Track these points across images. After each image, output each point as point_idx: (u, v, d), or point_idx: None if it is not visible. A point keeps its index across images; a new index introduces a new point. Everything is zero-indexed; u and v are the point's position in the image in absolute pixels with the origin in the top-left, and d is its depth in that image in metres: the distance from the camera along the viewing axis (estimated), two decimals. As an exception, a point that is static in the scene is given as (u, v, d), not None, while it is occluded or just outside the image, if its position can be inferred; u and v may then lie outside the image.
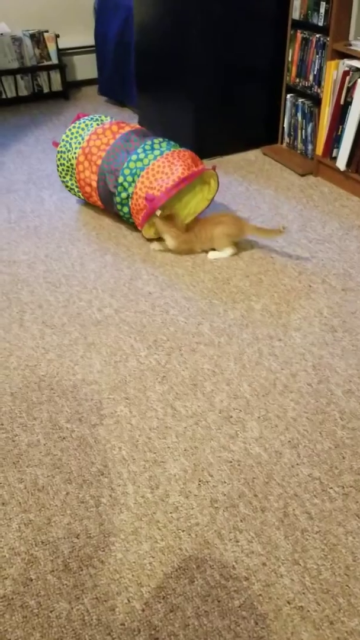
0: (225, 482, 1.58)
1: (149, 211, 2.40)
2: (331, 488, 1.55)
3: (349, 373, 1.91)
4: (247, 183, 3.13)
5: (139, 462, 1.63)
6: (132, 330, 2.11)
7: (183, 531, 1.46)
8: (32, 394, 1.86)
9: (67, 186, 2.79)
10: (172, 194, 2.36)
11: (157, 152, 2.47)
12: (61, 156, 2.68)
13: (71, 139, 2.65)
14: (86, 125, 2.66)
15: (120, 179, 2.46)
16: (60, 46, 4.32)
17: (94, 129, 2.60)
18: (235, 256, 2.53)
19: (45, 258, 2.53)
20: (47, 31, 4.17)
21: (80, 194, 2.75)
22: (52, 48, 4.21)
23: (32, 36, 4.11)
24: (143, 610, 1.31)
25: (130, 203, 2.51)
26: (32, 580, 1.37)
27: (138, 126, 2.66)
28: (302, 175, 3.20)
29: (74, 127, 2.68)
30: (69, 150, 2.64)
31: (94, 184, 2.59)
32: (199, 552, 1.42)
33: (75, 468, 1.62)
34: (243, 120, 3.38)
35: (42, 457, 1.65)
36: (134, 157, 2.46)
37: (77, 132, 2.65)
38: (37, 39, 4.14)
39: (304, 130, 3.23)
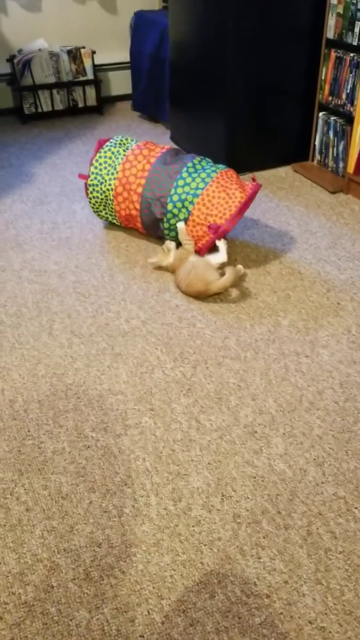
0: (248, 498, 1.57)
1: (212, 240, 2.42)
2: (356, 508, 1.53)
3: (376, 392, 1.89)
4: (277, 199, 3.14)
5: (162, 474, 1.63)
6: (159, 342, 2.12)
7: (205, 545, 1.45)
8: (59, 402, 1.88)
9: (100, 216, 2.78)
10: (237, 221, 2.38)
11: (203, 175, 2.44)
12: (93, 189, 2.64)
13: (101, 170, 2.62)
14: (112, 153, 2.63)
15: (170, 206, 2.46)
16: (96, 62, 4.41)
17: (125, 157, 2.57)
18: (263, 272, 2.53)
19: (76, 269, 2.57)
20: (83, 47, 4.26)
21: (115, 220, 2.75)
22: (88, 64, 4.29)
23: (69, 52, 4.20)
24: (163, 623, 1.30)
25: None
26: (53, 587, 1.37)
27: (165, 146, 2.65)
28: (333, 192, 3.20)
29: (100, 157, 2.64)
30: (101, 183, 2.61)
31: (135, 212, 2.57)
32: (220, 567, 1.41)
33: (99, 477, 1.63)
34: (274, 136, 3.40)
35: (67, 464, 1.66)
36: (180, 182, 2.44)
37: (105, 161, 2.62)
38: (74, 54, 4.23)
39: (335, 148, 3.23)
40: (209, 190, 2.42)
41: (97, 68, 4.43)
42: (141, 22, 3.99)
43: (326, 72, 3.12)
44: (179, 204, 2.44)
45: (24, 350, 2.10)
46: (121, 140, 2.68)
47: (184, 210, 2.44)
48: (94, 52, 4.29)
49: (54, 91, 4.28)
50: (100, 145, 2.70)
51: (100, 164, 2.63)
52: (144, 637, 1.28)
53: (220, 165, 2.55)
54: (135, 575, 1.39)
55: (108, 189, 2.60)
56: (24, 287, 2.44)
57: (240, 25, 2.95)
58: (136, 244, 2.75)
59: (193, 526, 1.50)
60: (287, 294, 2.38)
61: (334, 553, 1.43)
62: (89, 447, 1.72)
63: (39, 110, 4.29)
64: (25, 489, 1.60)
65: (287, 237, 2.78)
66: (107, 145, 2.67)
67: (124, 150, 2.63)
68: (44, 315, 2.27)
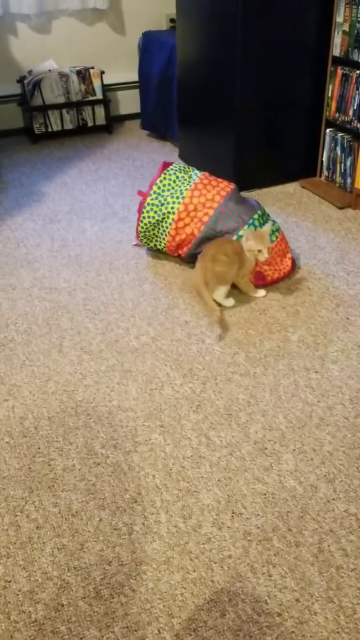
0: (259, 515, 1.56)
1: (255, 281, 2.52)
2: (368, 525, 1.52)
3: (387, 407, 1.88)
4: (285, 215, 3.16)
5: (172, 491, 1.63)
6: (168, 359, 2.13)
7: (215, 563, 1.45)
8: (69, 418, 1.88)
9: (145, 237, 2.71)
10: (267, 284, 2.53)
11: (270, 230, 2.52)
12: (151, 209, 2.61)
13: (163, 191, 2.61)
14: (177, 177, 2.63)
15: None
16: (105, 82, 4.47)
17: (194, 185, 2.58)
18: (272, 287, 2.53)
19: (85, 286, 2.59)
20: (92, 67, 4.32)
21: (159, 244, 2.70)
22: (97, 84, 4.35)
23: (78, 72, 4.27)
24: (173, 642, 1.29)
25: None
26: (63, 605, 1.37)
27: (225, 181, 2.67)
28: (341, 208, 3.21)
29: (164, 178, 2.63)
30: (162, 204, 2.59)
31: (192, 238, 2.57)
32: (231, 585, 1.40)
33: (109, 494, 1.63)
34: (282, 153, 3.42)
35: (77, 482, 1.67)
36: (251, 228, 2.49)
37: (169, 184, 2.61)
38: (83, 75, 4.29)
39: (342, 164, 3.25)
40: (275, 248, 2.51)
41: (106, 88, 4.49)
42: (149, 43, 4.05)
43: (333, 89, 3.15)
44: None
45: (34, 367, 2.11)
46: (184, 168, 2.69)
47: None
48: (102, 72, 4.35)
49: (64, 111, 4.34)
50: (165, 167, 2.69)
51: (165, 185, 2.61)
52: (155, 656, 1.27)
53: (277, 223, 2.64)
54: (146, 593, 1.39)
55: (169, 211, 2.57)
56: (34, 305, 2.46)
57: (247, 44, 2.99)
58: (145, 261, 2.77)
59: (203, 544, 1.49)
60: (296, 309, 2.39)
61: (346, 571, 1.42)
62: (98, 464, 1.72)
63: (49, 130, 4.35)
64: (36, 507, 1.60)
65: (295, 253, 2.78)
66: (172, 169, 2.66)
67: (189, 177, 2.64)
68: (54, 333, 2.29)
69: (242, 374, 2.05)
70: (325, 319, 2.32)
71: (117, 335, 2.26)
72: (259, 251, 2.29)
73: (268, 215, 2.61)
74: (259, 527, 1.53)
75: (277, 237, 2.54)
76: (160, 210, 2.59)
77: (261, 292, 2.48)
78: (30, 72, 4.26)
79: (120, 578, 1.42)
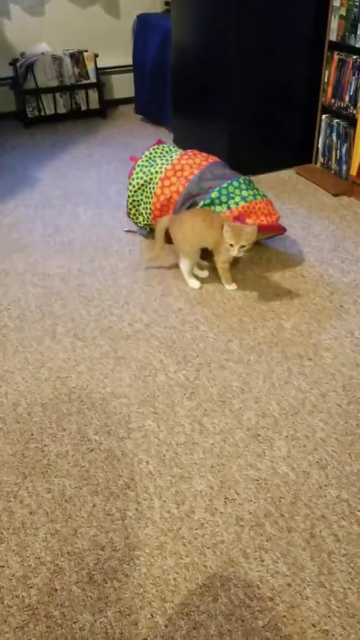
0: (251, 501, 1.57)
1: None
2: (359, 510, 1.53)
3: (379, 395, 1.89)
4: (280, 202, 3.15)
5: (165, 477, 1.64)
6: (162, 346, 2.13)
7: (208, 548, 1.46)
8: (62, 405, 1.88)
9: (133, 202, 2.71)
10: (259, 230, 2.44)
11: (257, 192, 2.54)
12: (141, 169, 2.66)
13: (155, 156, 2.69)
14: (169, 149, 2.76)
15: (215, 194, 2.48)
16: (99, 65, 4.42)
17: (185, 152, 2.68)
18: (266, 274, 2.53)
19: (79, 272, 2.57)
20: (86, 51, 4.27)
21: (145, 210, 2.69)
22: (90, 67, 4.31)
23: (71, 55, 4.22)
24: (166, 626, 1.30)
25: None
26: (56, 590, 1.38)
27: (218, 158, 2.73)
28: (336, 195, 3.20)
29: (157, 147, 2.74)
30: (151, 165, 2.65)
31: (176, 196, 2.57)
32: (223, 570, 1.41)
33: (102, 480, 1.63)
34: (277, 139, 3.40)
35: (70, 468, 1.67)
36: (235, 183, 2.50)
37: (161, 152, 2.72)
38: (77, 58, 4.24)
39: (338, 151, 3.24)
40: (259, 205, 2.50)
41: (99, 71, 4.44)
42: (144, 26, 4.01)
43: (329, 75, 3.12)
44: (224, 198, 2.48)
45: (27, 353, 2.10)
46: (175, 149, 2.80)
47: (224, 205, 2.48)
48: (96, 56, 4.30)
49: (57, 94, 4.29)
50: (159, 143, 2.79)
51: (157, 152, 2.71)
52: (148, 640, 1.28)
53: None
54: (139, 578, 1.40)
55: (157, 171, 2.62)
56: (27, 291, 2.45)
57: (243, 28, 2.96)
58: (139, 248, 2.76)
59: (196, 529, 1.50)
60: (290, 297, 2.39)
61: (337, 556, 1.43)
62: (92, 450, 1.72)
63: (42, 113, 4.31)
64: (29, 492, 1.60)
65: (290, 240, 2.78)
66: (166, 145, 2.77)
67: (181, 150, 2.74)
68: (47, 319, 2.28)
69: (236, 361, 2.05)
70: (319, 306, 2.32)
71: (110, 322, 2.26)
72: (230, 245, 2.22)
73: (257, 189, 2.60)
74: (251, 513, 1.54)
75: (261, 198, 2.53)
76: (149, 170, 2.65)
77: (232, 286, 2.45)
78: (22, 54, 4.21)
79: (114, 563, 1.43)
